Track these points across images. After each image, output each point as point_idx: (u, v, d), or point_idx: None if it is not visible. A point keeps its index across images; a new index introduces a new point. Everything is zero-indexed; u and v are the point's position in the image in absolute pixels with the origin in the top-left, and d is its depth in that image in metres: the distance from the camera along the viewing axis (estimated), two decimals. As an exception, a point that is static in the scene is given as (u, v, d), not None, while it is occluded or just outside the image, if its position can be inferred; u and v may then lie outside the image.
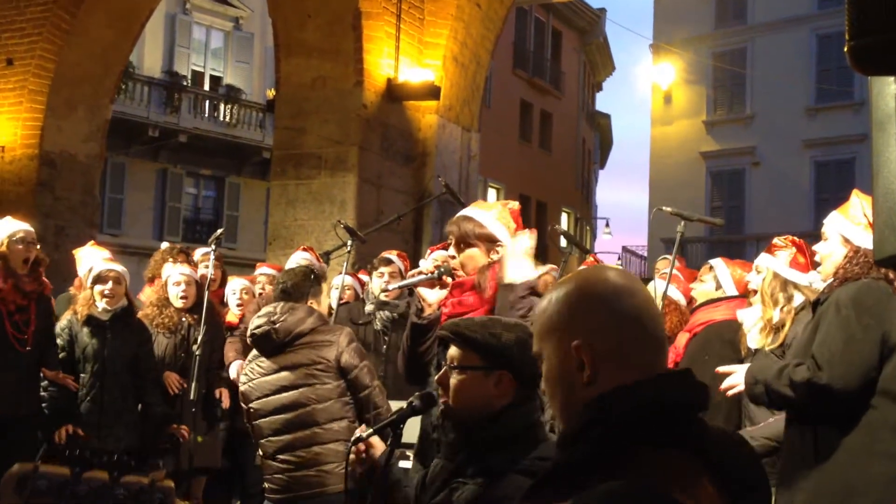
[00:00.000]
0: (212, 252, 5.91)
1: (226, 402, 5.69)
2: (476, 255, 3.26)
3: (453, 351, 2.55)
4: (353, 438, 2.81)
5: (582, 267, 6.09)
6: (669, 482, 1.25)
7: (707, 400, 1.42)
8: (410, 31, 8.63)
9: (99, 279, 5.33)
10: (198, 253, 6.76)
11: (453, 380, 2.50)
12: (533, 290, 3.23)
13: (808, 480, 3.10)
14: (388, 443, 2.69)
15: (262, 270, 6.60)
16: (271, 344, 4.07)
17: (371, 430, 2.69)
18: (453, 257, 3.29)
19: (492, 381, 2.47)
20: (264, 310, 4.18)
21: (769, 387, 3.18)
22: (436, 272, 3.28)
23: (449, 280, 3.28)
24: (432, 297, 3.29)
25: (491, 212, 3.35)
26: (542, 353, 1.47)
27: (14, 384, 5.10)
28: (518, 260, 3.20)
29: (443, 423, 2.56)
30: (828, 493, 3.03)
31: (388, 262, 5.91)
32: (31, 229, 5.31)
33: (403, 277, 5.49)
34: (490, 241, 3.27)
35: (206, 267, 6.19)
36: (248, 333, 4.15)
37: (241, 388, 4.23)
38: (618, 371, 1.38)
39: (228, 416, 5.90)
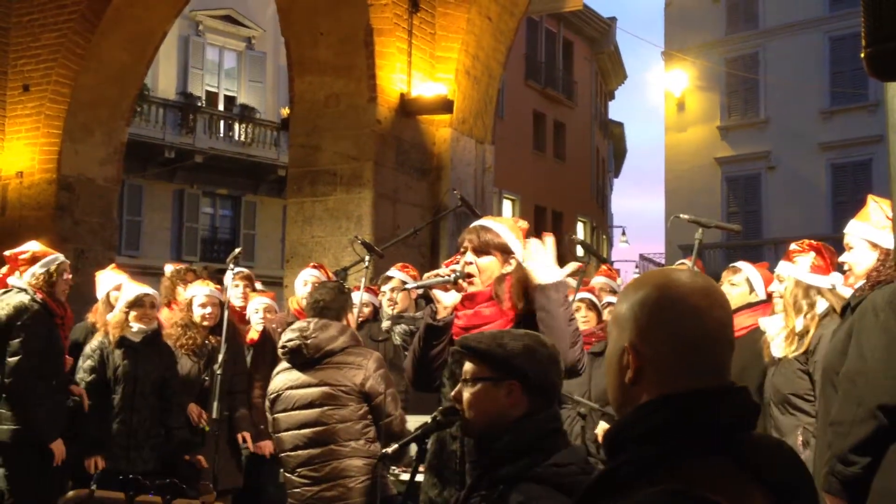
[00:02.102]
0: (230, 272, 5.93)
1: (249, 445, 5.74)
2: (493, 265, 3.30)
3: (467, 365, 2.56)
4: (379, 455, 2.82)
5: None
6: (714, 488, 1.26)
7: (756, 420, 1.43)
8: (422, 46, 8.66)
9: (136, 304, 5.39)
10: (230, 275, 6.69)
11: (466, 393, 2.52)
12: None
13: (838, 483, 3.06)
14: (414, 457, 2.69)
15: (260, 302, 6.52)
16: (301, 359, 4.09)
17: (397, 445, 2.70)
18: (470, 264, 3.31)
19: (502, 391, 2.47)
20: (297, 324, 4.20)
21: (842, 475, 3.04)
22: (452, 276, 3.29)
23: (465, 285, 3.29)
24: (448, 299, 3.29)
25: (505, 224, 3.40)
26: (609, 337, 1.53)
27: (65, 407, 5.24)
28: (545, 260, 3.20)
29: (464, 439, 2.57)
30: (860, 498, 2.99)
31: (388, 279, 6.02)
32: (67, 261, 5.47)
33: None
34: (506, 252, 3.32)
35: (237, 286, 6.28)
36: (280, 345, 4.18)
37: (268, 396, 4.26)
38: (661, 382, 1.41)
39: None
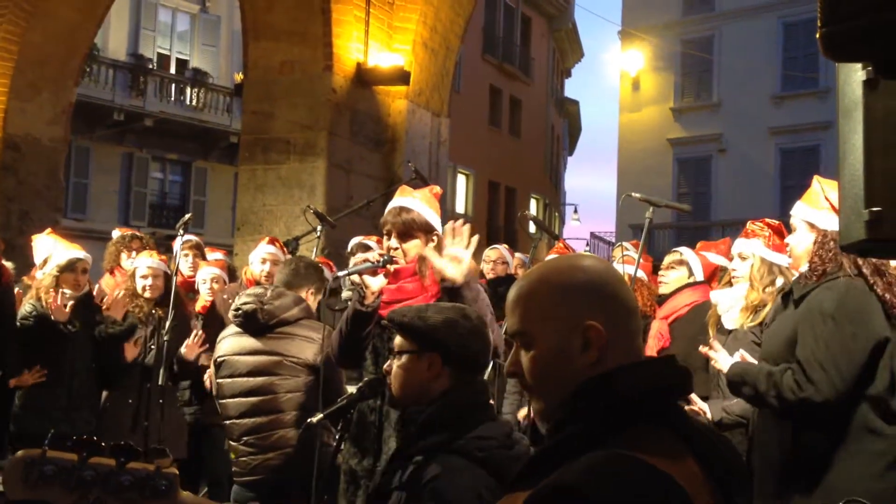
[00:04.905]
0: (179, 238, 5.84)
1: None
2: (417, 247, 3.38)
3: (397, 339, 2.60)
4: (304, 425, 2.85)
5: (562, 254, 6.19)
6: (655, 454, 1.29)
7: (691, 384, 1.51)
8: (380, 16, 8.58)
9: (68, 268, 5.29)
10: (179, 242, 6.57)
11: (394, 366, 2.56)
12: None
13: (787, 482, 3.12)
14: (339, 428, 2.73)
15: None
16: (255, 324, 4.06)
17: (321, 415, 2.73)
18: (395, 249, 3.36)
19: (424, 364, 2.51)
20: (253, 290, 4.19)
21: (758, 391, 3.15)
22: (380, 260, 3.34)
23: (391, 268, 3.35)
24: (375, 284, 3.34)
25: (422, 200, 3.47)
26: (532, 334, 1.50)
27: None
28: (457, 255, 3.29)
29: (382, 411, 2.62)
30: (809, 494, 3.04)
31: (366, 248, 5.89)
32: None
33: None
34: (427, 230, 3.40)
35: (186, 256, 6.19)
36: (233, 308, 4.14)
37: (213, 361, 4.23)
38: (619, 356, 1.45)
39: (196, 403, 5.85)
